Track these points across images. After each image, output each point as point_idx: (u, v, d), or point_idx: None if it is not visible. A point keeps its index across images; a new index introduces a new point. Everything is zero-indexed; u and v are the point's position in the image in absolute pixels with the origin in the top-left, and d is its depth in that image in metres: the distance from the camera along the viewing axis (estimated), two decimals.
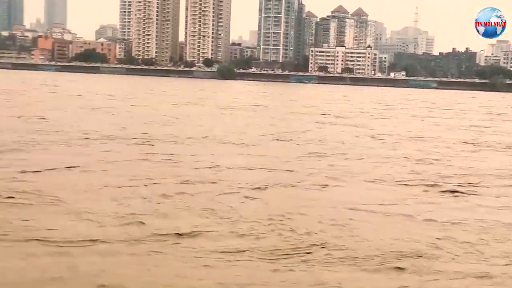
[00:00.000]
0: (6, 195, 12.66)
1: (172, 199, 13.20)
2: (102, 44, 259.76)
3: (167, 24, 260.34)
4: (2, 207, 11.73)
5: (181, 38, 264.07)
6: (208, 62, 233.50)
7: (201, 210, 12.24)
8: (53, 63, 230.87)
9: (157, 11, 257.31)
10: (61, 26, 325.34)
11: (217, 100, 63.83)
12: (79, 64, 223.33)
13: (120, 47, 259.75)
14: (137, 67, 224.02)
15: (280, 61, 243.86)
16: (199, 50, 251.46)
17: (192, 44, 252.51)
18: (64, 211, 11.71)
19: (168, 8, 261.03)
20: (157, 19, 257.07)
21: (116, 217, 11.35)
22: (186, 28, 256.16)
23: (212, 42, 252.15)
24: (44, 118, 31.26)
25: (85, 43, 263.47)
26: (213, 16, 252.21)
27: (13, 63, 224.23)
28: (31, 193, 13.05)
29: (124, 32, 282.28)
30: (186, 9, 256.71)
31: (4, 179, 14.42)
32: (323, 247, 10.07)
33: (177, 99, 61.78)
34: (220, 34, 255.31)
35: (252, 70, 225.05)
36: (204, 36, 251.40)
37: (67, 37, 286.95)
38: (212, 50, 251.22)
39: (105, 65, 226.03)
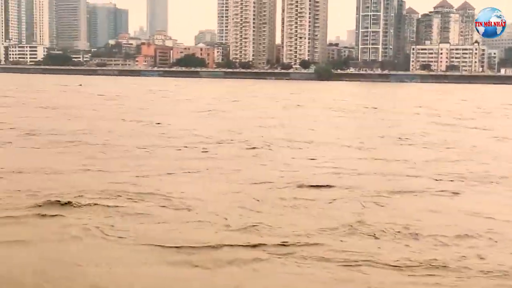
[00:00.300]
0: (132, 199, 12.57)
1: (292, 204, 12.55)
2: (201, 49, 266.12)
3: (264, 26, 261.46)
4: (127, 212, 11.49)
5: (278, 40, 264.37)
6: (305, 64, 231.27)
7: (321, 216, 11.54)
8: (155, 69, 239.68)
9: (254, 14, 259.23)
10: (162, 33, 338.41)
11: (322, 102, 61.17)
12: (179, 69, 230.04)
13: (218, 51, 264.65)
14: (235, 70, 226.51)
15: (379, 60, 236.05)
16: (295, 52, 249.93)
17: (288, 45, 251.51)
18: (187, 216, 11.42)
19: (265, 11, 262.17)
20: (254, 22, 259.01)
21: (238, 222, 10.91)
22: (282, 30, 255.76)
23: (309, 43, 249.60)
24: (159, 124, 30.82)
25: (185, 48, 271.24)
26: (309, 17, 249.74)
27: (119, 69, 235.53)
28: (154, 196, 12.93)
29: (222, 36, 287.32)
30: (283, 11, 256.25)
31: (127, 182, 14.31)
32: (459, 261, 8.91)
33: (282, 102, 59.90)
34: (316, 35, 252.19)
35: (350, 70, 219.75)
36: (300, 38, 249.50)
37: (168, 43, 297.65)
38: (309, 51, 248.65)
39: (204, 69, 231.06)
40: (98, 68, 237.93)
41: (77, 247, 9.43)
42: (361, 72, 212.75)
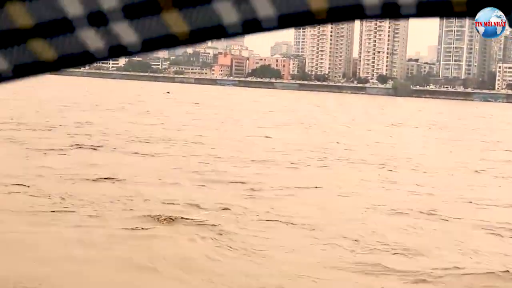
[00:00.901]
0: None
1: (423, 232, 11.66)
2: (276, 60, 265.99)
3: (341, 39, 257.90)
4: (257, 227, 11.23)
5: (355, 54, 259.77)
6: (382, 79, 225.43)
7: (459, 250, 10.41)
8: (231, 78, 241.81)
9: (331, 27, 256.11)
10: (238, 44, 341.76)
11: (418, 120, 57.55)
12: (254, 79, 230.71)
13: (293, 63, 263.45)
14: (310, 82, 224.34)
15: (462, 77, 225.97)
16: (373, 66, 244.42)
17: (366, 60, 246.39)
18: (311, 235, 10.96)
19: (343, 24, 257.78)
20: (331, 36, 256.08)
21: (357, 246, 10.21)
22: (360, 44, 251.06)
23: (387, 58, 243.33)
24: (268, 137, 30.34)
25: (261, 59, 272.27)
26: (389, 31, 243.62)
27: (196, 78, 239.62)
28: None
29: (298, 48, 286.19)
30: (361, 24, 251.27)
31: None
32: None
33: (379, 117, 57.21)
34: (396, 50, 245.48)
35: (430, 87, 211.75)
36: (379, 52, 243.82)
37: (244, 53, 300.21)
38: (387, 66, 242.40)
39: (279, 80, 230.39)
40: (175, 75, 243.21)
41: None
42: (442, 89, 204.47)
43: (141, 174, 16.09)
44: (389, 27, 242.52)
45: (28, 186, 13.55)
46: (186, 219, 11.56)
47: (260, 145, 25.96)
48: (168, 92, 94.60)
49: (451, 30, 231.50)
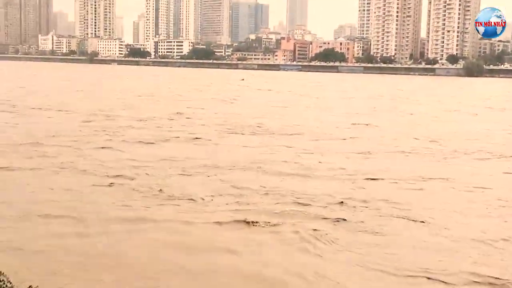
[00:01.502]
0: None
1: None
2: (340, 44, 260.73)
3: (408, 20, 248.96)
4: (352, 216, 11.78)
5: (423, 34, 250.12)
6: (453, 59, 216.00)
7: None
8: (294, 63, 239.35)
9: (397, 8, 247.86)
10: (301, 28, 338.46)
11: None
12: (318, 63, 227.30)
13: (358, 46, 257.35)
14: (376, 65, 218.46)
15: None
16: (442, 46, 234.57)
17: (435, 40, 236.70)
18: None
19: (409, 3, 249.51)
20: (397, 16, 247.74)
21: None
22: (428, 23, 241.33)
23: (458, 37, 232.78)
24: (372, 125, 31.72)
25: (324, 43, 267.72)
26: (459, 9, 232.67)
27: (259, 64, 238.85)
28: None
29: (363, 30, 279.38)
30: (429, 3, 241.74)
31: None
32: None
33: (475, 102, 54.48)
34: (467, 28, 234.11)
35: (505, 66, 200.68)
36: (448, 31, 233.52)
37: (307, 37, 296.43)
38: (457, 45, 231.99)
39: (343, 64, 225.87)
40: (239, 62, 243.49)
41: None
42: None
43: None
44: (459, 4, 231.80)
45: None
46: None
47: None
48: (243, 79, 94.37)
49: None
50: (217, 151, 20.87)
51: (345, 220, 11.80)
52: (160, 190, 14.10)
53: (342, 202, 13.15)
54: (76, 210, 11.94)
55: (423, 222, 11.51)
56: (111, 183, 14.59)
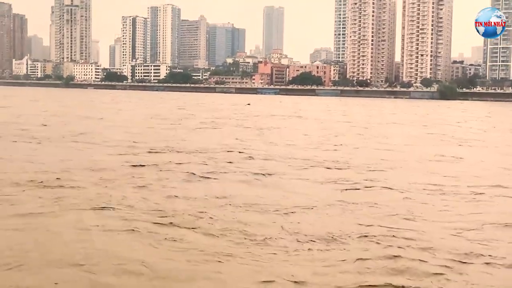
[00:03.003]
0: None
1: None
2: (317, 67, 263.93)
3: (383, 44, 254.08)
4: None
5: (397, 58, 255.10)
6: (426, 82, 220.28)
7: None
8: (272, 86, 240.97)
9: (372, 32, 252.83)
10: (278, 52, 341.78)
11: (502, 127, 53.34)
12: (296, 87, 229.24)
13: (334, 69, 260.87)
14: (352, 88, 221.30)
15: (511, 78, 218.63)
16: (416, 70, 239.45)
17: (409, 63, 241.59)
18: None
19: (384, 28, 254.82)
20: (372, 40, 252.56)
21: None
22: (402, 47, 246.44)
23: (431, 60, 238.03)
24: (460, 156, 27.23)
25: (301, 66, 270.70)
26: (432, 33, 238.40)
27: (237, 87, 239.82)
28: None
29: (339, 54, 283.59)
30: (403, 27, 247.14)
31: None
32: None
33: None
34: (439, 52, 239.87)
35: (477, 89, 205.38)
36: (422, 55, 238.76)
37: (284, 61, 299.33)
38: (431, 69, 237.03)
39: (320, 87, 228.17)
40: (217, 86, 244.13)
41: None
42: (490, 91, 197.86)
43: None
44: (432, 29, 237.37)
45: None
46: None
47: None
48: (249, 104, 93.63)
49: None
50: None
51: None
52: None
53: None
54: None
55: None
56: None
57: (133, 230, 11.53)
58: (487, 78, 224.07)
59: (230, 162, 21.87)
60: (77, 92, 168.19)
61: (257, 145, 28.82)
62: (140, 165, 20.39)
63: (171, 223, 12.15)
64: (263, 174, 19.07)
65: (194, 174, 18.53)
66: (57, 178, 16.92)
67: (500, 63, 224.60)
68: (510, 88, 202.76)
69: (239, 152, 25.15)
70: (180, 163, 21.11)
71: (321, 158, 24.00)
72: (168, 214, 12.92)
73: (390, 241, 11.23)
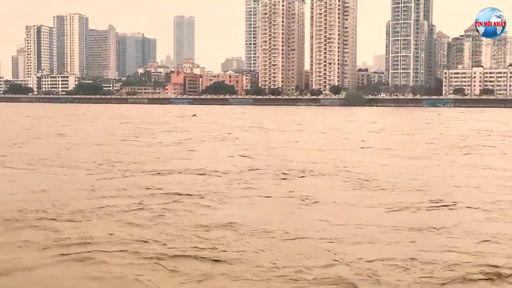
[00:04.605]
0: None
1: None
2: (230, 76, 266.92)
3: (293, 53, 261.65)
4: None
5: (307, 66, 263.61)
6: (335, 89, 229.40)
7: None
8: (185, 96, 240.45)
9: (283, 41, 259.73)
10: (189, 61, 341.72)
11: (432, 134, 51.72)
12: (209, 96, 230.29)
13: (247, 79, 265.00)
14: (265, 97, 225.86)
15: (411, 85, 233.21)
16: (325, 78, 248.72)
17: (318, 72, 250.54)
18: None
19: (293, 37, 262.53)
20: (282, 49, 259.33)
21: None
22: (311, 56, 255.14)
23: (338, 69, 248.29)
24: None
25: (214, 76, 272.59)
26: (338, 43, 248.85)
27: (149, 98, 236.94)
28: None
29: (250, 63, 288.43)
30: (311, 37, 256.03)
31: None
32: None
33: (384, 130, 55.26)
34: (346, 61, 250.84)
35: (381, 95, 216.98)
36: (330, 63, 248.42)
37: (196, 71, 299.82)
38: (338, 77, 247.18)
39: (233, 96, 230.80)
40: (128, 96, 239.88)
41: None
42: (393, 97, 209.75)
43: None
44: (338, 38, 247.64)
45: None
46: None
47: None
48: (195, 115, 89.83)
49: (398, 40, 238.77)
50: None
51: None
52: None
53: None
54: None
55: None
56: None
57: None
58: (389, 85, 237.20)
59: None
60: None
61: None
62: None
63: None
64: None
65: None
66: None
67: (401, 71, 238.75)
68: (411, 94, 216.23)
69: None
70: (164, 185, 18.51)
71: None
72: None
73: None
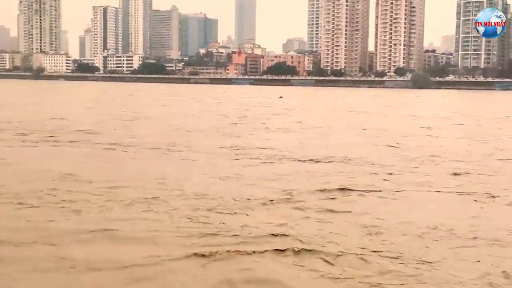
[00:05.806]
0: None
1: None
2: (291, 57, 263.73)
3: (356, 33, 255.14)
4: None
5: (371, 47, 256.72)
6: (400, 71, 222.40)
7: None
8: (246, 77, 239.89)
9: (346, 22, 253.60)
10: (250, 42, 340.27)
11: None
12: (270, 77, 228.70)
13: (309, 59, 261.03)
14: (327, 78, 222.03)
15: (482, 67, 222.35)
16: (390, 59, 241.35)
17: (382, 53, 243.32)
18: None
19: (357, 17, 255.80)
20: (346, 30, 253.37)
21: None
22: (376, 37, 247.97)
23: (404, 50, 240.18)
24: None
25: (276, 56, 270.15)
26: (405, 23, 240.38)
27: (211, 78, 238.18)
28: None
29: (312, 44, 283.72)
30: (376, 17, 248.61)
31: None
32: None
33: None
34: (412, 42, 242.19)
35: (450, 78, 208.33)
36: (395, 44, 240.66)
37: (257, 51, 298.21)
38: (404, 58, 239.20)
39: (295, 77, 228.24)
40: (191, 76, 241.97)
41: None
42: (462, 79, 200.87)
43: None
44: (405, 18, 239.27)
45: None
46: None
47: None
48: (281, 97, 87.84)
49: (469, 20, 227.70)
50: None
51: None
52: None
53: None
54: None
55: None
56: None
57: None
58: (459, 66, 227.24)
59: None
60: (52, 84, 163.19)
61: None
62: None
63: None
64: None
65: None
66: None
67: (471, 52, 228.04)
68: (482, 76, 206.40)
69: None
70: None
71: None
72: None
73: None
